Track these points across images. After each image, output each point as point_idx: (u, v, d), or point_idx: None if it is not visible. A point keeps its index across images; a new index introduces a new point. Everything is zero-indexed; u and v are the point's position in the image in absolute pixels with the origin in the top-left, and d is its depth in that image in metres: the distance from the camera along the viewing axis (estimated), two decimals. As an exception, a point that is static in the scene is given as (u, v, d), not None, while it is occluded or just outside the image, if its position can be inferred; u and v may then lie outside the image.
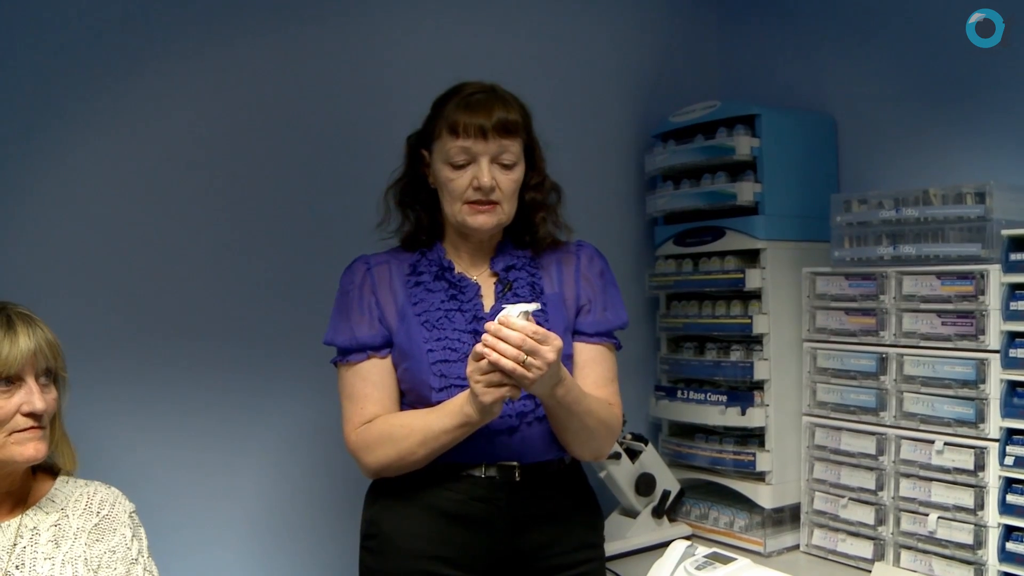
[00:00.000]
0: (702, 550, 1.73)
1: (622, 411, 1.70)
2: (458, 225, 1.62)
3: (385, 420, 1.58)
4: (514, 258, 1.68)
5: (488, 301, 1.64)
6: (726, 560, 1.69)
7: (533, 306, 1.46)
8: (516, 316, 1.42)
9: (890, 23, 2.20)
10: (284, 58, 2.02)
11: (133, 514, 1.46)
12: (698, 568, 1.67)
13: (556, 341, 1.43)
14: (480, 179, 1.55)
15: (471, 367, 1.43)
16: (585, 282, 1.69)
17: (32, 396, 1.30)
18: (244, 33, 1.97)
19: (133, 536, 1.43)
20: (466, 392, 1.47)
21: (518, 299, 1.61)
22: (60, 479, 1.43)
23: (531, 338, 1.39)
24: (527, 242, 1.70)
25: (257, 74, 1.99)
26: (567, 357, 1.61)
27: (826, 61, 2.37)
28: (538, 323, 1.47)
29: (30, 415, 1.30)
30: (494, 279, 1.67)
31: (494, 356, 1.39)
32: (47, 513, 1.37)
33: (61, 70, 1.77)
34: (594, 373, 1.65)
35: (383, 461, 1.55)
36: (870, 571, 1.96)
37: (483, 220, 1.59)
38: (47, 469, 1.43)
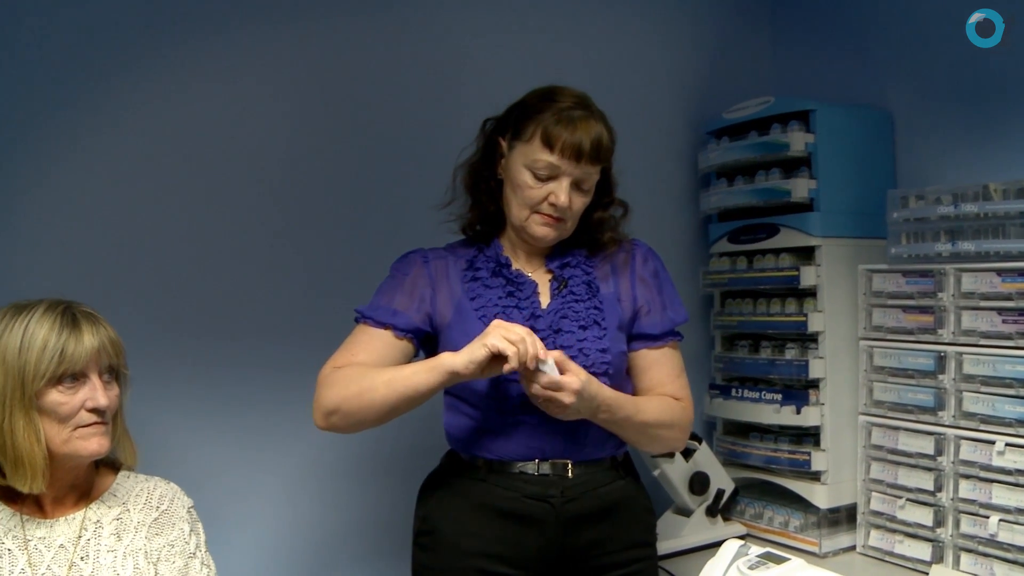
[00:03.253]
0: (755, 549, 1.72)
1: (691, 403, 1.70)
2: (518, 229, 1.63)
3: (358, 366, 1.56)
4: (569, 256, 1.68)
5: (544, 299, 1.64)
6: (779, 560, 1.67)
7: (550, 361, 1.46)
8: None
9: (948, 16, 2.15)
10: (324, 51, 2.04)
11: (191, 509, 1.50)
12: (751, 568, 1.66)
13: (572, 385, 1.44)
14: (558, 198, 1.55)
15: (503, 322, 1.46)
16: (641, 284, 1.68)
17: (96, 392, 1.35)
18: (296, 20, 2.00)
19: (191, 531, 1.47)
20: (453, 353, 1.47)
21: (575, 296, 1.63)
22: (121, 474, 1.47)
23: (548, 389, 1.44)
24: (583, 241, 1.70)
25: (302, 68, 2.02)
26: (620, 354, 1.62)
27: (882, 56, 2.33)
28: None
29: (94, 411, 1.34)
30: (549, 276, 1.67)
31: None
32: (109, 507, 1.42)
33: (105, 50, 1.81)
34: (661, 373, 1.66)
35: (339, 395, 1.51)
36: (927, 573, 1.92)
37: (545, 232, 1.60)
38: (109, 464, 1.48)
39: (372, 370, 1.53)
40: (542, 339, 1.50)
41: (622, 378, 1.64)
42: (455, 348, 1.51)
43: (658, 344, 1.66)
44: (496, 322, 1.45)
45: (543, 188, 1.56)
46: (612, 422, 1.54)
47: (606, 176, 1.66)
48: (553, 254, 1.68)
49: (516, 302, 1.62)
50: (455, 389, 1.61)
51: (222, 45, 1.93)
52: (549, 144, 1.54)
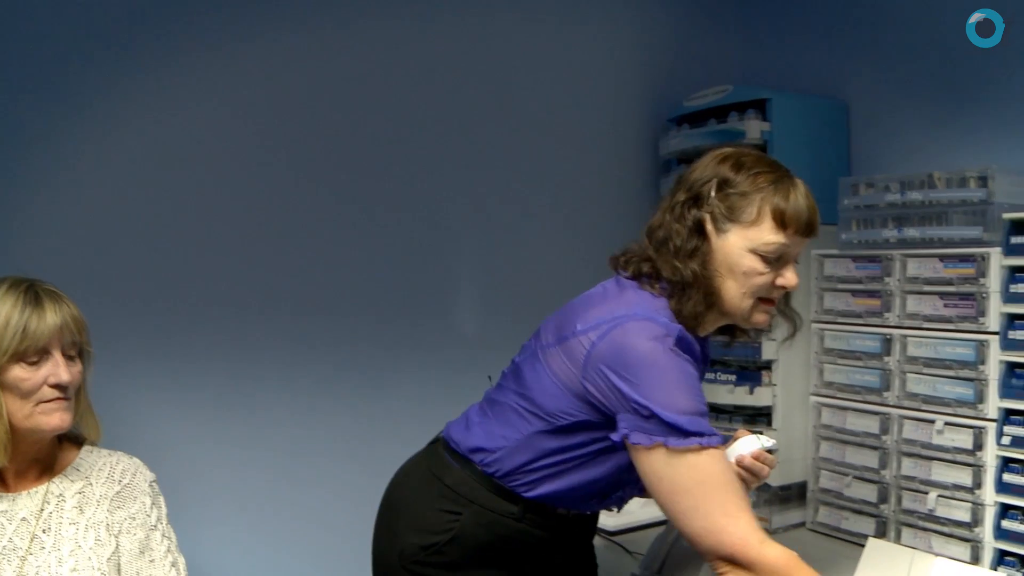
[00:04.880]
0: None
1: None
2: (733, 316, 1.46)
3: (788, 552, 1.31)
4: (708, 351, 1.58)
5: None
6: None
7: (772, 443, 1.50)
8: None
9: (903, 10, 2.21)
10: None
11: (153, 483, 1.54)
12: None
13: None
14: (789, 281, 1.43)
15: None
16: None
17: (58, 368, 1.38)
18: (296, 21, 2.06)
19: (153, 504, 1.51)
20: None
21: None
22: (85, 449, 1.51)
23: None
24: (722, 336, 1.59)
25: (326, 56, 2.08)
26: None
27: (840, 47, 2.39)
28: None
29: (56, 386, 1.38)
30: None
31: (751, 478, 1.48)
32: (72, 481, 1.45)
33: (123, 39, 1.85)
34: None
35: None
36: (866, 547, 2.00)
37: (766, 319, 1.47)
38: (73, 439, 1.51)
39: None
40: None
41: None
42: None
43: None
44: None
45: (772, 273, 1.42)
46: None
47: None
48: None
49: None
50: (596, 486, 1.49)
51: (226, 43, 1.98)
52: (784, 224, 1.39)
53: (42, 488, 1.42)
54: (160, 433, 1.89)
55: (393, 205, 2.18)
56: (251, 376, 2.03)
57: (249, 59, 2.00)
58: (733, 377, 2.26)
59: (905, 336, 1.96)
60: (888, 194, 2.02)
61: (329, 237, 2.11)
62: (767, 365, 2.23)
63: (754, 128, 2.19)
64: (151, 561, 1.46)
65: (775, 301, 1.46)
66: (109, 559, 1.41)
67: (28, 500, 1.40)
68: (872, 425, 2.02)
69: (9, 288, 1.37)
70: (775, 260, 1.41)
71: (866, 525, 2.03)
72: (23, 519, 1.39)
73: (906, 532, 1.95)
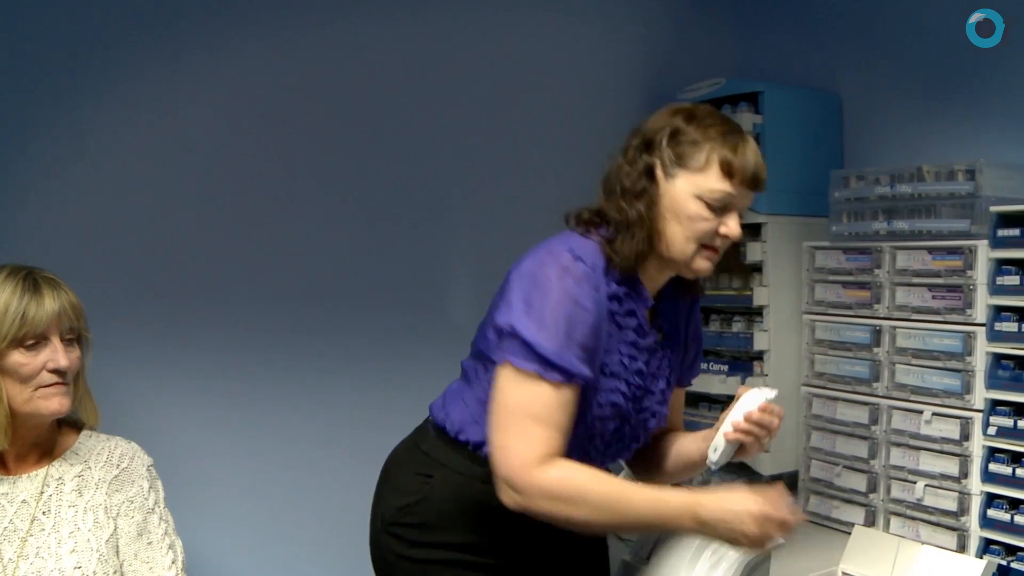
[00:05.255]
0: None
1: None
2: (677, 263, 1.47)
3: (580, 475, 1.35)
4: (672, 304, 1.59)
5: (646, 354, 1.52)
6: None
7: (774, 393, 1.49)
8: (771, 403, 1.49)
9: (896, 4, 2.23)
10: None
11: (151, 467, 1.57)
12: None
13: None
14: (732, 230, 1.44)
15: (773, 514, 1.33)
16: (695, 337, 1.65)
17: (56, 354, 1.40)
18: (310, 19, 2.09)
19: (150, 488, 1.54)
20: (707, 498, 1.35)
21: (663, 353, 1.56)
22: (84, 433, 1.54)
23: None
24: (685, 286, 1.60)
25: (327, 53, 2.11)
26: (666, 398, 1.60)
27: (833, 41, 2.41)
28: None
29: (55, 371, 1.40)
30: (648, 316, 1.53)
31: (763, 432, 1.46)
32: (71, 464, 1.48)
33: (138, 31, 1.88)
34: (676, 410, 1.69)
35: (562, 516, 1.34)
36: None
37: (708, 266, 1.47)
38: (72, 424, 1.54)
39: (598, 495, 1.35)
40: (635, 397, 1.49)
41: None
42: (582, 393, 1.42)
43: (685, 386, 1.70)
44: (763, 518, 1.33)
45: (715, 220, 1.43)
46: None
47: None
48: (661, 299, 1.57)
49: (634, 353, 1.49)
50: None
51: (221, 36, 2.00)
52: (730, 173, 1.42)
53: (42, 471, 1.45)
54: (158, 418, 1.92)
55: (392, 198, 2.21)
56: (250, 363, 2.06)
57: (248, 53, 2.02)
58: (725, 367, 2.29)
59: (894, 327, 1.98)
60: (878, 187, 2.04)
61: (329, 230, 2.14)
62: (759, 355, 2.25)
63: (747, 120, 2.21)
64: (149, 543, 1.49)
65: (718, 250, 1.47)
66: (107, 541, 1.44)
67: (28, 483, 1.43)
68: (862, 415, 2.05)
69: (8, 275, 1.40)
70: (720, 208, 1.43)
71: (856, 514, 2.06)
72: (23, 501, 1.42)
73: (894, 521, 1.98)
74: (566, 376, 1.35)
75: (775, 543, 1.36)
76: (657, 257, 1.47)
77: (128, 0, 1.88)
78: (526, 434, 1.34)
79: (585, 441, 1.47)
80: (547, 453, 1.34)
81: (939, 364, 1.89)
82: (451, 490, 1.50)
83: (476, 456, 1.48)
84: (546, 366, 1.34)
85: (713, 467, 1.51)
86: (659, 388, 1.54)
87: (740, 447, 1.49)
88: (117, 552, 1.46)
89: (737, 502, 1.33)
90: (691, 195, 1.43)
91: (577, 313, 1.37)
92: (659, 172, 1.45)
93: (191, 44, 1.96)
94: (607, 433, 1.49)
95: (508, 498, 1.35)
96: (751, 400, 1.48)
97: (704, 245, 1.45)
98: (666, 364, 1.55)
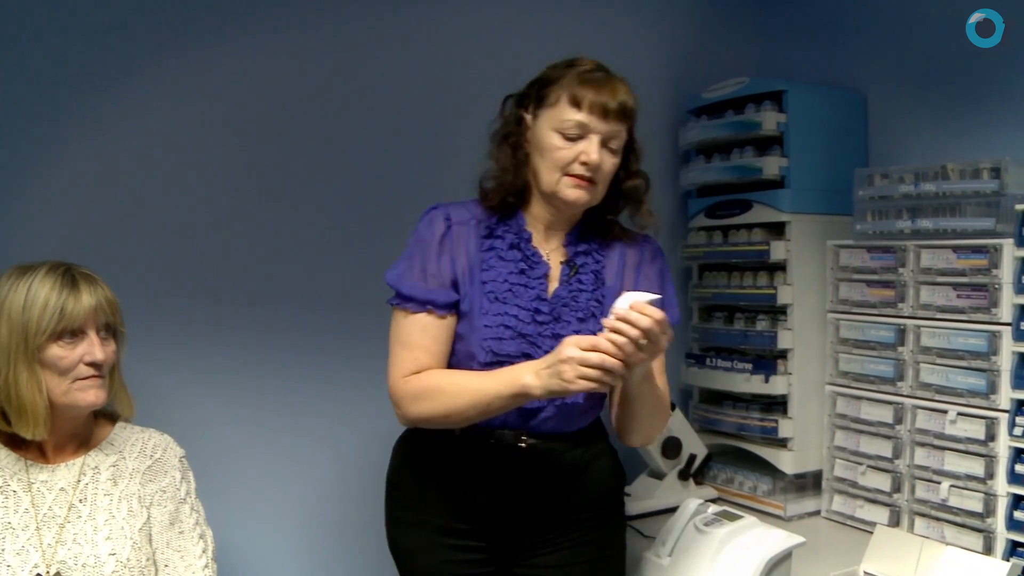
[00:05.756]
0: (714, 508, 1.83)
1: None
2: (550, 195, 1.61)
3: (436, 374, 1.58)
4: (587, 243, 1.68)
5: (553, 283, 1.65)
6: (733, 517, 1.78)
7: (657, 297, 1.44)
8: (646, 304, 1.42)
9: (920, 2, 2.23)
10: (339, 43, 2.15)
11: (183, 459, 1.61)
12: (706, 524, 1.77)
13: (670, 331, 1.46)
14: (590, 156, 1.55)
15: (575, 351, 1.41)
16: (644, 279, 1.70)
17: (93, 348, 1.45)
18: (321, 14, 2.12)
19: (182, 478, 1.58)
20: (531, 364, 1.48)
21: (581, 286, 1.65)
22: (119, 425, 1.58)
23: (659, 325, 1.40)
24: (604, 226, 1.71)
25: (324, 51, 2.12)
26: None
27: (858, 39, 2.40)
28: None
29: (91, 364, 1.45)
30: (561, 260, 1.67)
31: (623, 340, 1.40)
32: (107, 455, 1.53)
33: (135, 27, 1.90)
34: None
35: (427, 413, 1.57)
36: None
37: (578, 195, 1.59)
38: (107, 415, 1.58)
39: (452, 385, 1.55)
40: (542, 324, 1.58)
41: None
42: (466, 318, 1.60)
43: None
44: (568, 352, 1.41)
45: (573, 148, 1.56)
46: (644, 387, 1.57)
47: (633, 143, 1.66)
48: (573, 236, 1.69)
49: (526, 281, 1.63)
50: (454, 355, 1.64)
51: (214, 38, 2.02)
52: (577, 103, 1.55)
53: (79, 461, 1.50)
54: (191, 412, 1.96)
55: (410, 197, 2.21)
56: (281, 360, 2.09)
57: (241, 58, 2.04)
58: (749, 366, 2.29)
59: (919, 326, 1.98)
60: (902, 185, 2.03)
61: (365, 229, 2.16)
62: (783, 354, 2.26)
63: (770, 119, 2.22)
64: (180, 532, 1.54)
65: (585, 178, 1.58)
66: (141, 529, 1.49)
67: (66, 472, 1.48)
68: (886, 415, 2.04)
69: (48, 271, 1.45)
70: (575, 137, 1.57)
71: (880, 514, 2.06)
72: (61, 489, 1.46)
73: (919, 521, 1.98)
74: (418, 304, 1.60)
75: (611, 377, 1.42)
76: (538, 194, 1.64)
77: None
78: (396, 358, 1.60)
79: (495, 365, 1.58)
80: (413, 370, 1.58)
81: (964, 364, 1.89)
82: (421, 433, 1.71)
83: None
84: (401, 299, 1.61)
85: None
86: (575, 317, 1.63)
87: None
88: (150, 540, 1.50)
89: (549, 356, 1.46)
90: (549, 129, 1.58)
91: (421, 248, 1.63)
92: (528, 116, 1.63)
93: (221, 37, 2.00)
94: (516, 355, 1.58)
95: (397, 415, 1.61)
96: (623, 301, 1.44)
97: (568, 174, 1.58)
98: (584, 298, 1.64)
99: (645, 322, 1.39)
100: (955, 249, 1.90)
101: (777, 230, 2.27)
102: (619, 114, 1.57)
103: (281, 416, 2.11)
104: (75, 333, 1.44)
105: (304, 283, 2.12)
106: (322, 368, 2.15)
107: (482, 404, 1.52)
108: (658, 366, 1.65)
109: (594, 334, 1.49)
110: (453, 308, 1.62)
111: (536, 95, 1.62)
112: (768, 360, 2.27)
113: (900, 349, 2.02)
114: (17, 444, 1.47)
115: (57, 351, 1.42)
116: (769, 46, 2.66)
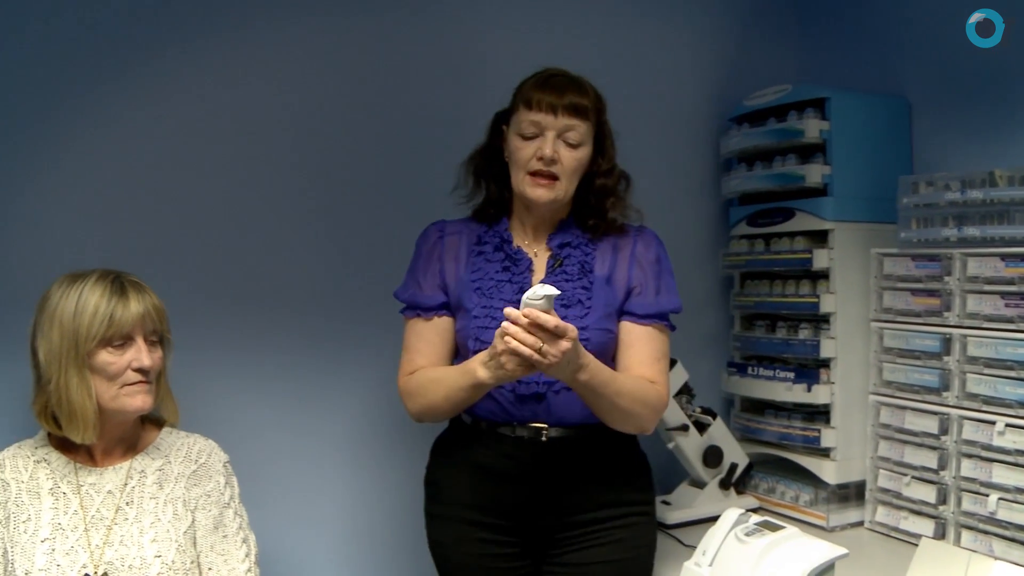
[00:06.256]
0: (755, 518, 1.81)
1: (668, 390, 1.77)
2: (520, 195, 1.73)
3: (423, 373, 1.73)
4: (571, 236, 1.77)
5: (538, 276, 1.74)
6: (775, 528, 1.76)
7: (555, 292, 1.46)
8: (540, 300, 1.44)
9: (965, 6, 2.18)
10: (358, 41, 2.15)
11: (227, 464, 1.64)
12: (748, 534, 1.75)
13: (572, 332, 1.47)
14: (543, 149, 1.66)
15: (499, 341, 1.49)
16: (638, 267, 1.76)
17: (141, 354, 1.49)
18: (333, 12, 2.12)
19: (226, 483, 1.61)
20: (482, 354, 1.57)
21: (566, 276, 1.73)
22: (165, 430, 1.62)
23: (552, 331, 1.44)
24: (590, 225, 1.78)
25: (336, 52, 2.13)
26: (602, 333, 1.70)
27: (901, 45, 2.37)
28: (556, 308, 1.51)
29: (139, 370, 1.49)
30: (548, 254, 1.77)
31: (513, 344, 1.45)
32: (153, 459, 1.56)
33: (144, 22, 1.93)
34: (641, 352, 1.73)
35: (418, 408, 1.73)
36: (929, 548, 1.99)
37: (541, 193, 1.68)
38: (154, 421, 1.62)
39: (430, 382, 1.70)
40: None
41: (603, 359, 1.66)
42: (460, 315, 1.74)
43: (642, 322, 1.73)
44: (496, 342, 1.50)
45: (531, 146, 1.67)
46: (588, 387, 1.58)
47: (602, 141, 1.75)
48: (556, 233, 1.78)
49: (510, 276, 1.74)
50: (459, 351, 1.77)
51: (246, 37, 2.05)
52: (528, 104, 1.67)
53: (126, 464, 1.53)
54: (235, 418, 1.99)
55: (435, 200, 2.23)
56: (321, 369, 2.12)
57: (249, 57, 2.05)
58: (792, 375, 2.27)
59: (965, 336, 1.95)
60: (948, 192, 2.00)
61: (404, 232, 2.18)
62: (826, 363, 2.24)
63: (813, 127, 2.20)
64: (224, 536, 1.56)
65: (546, 175, 1.67)
66: (185, 532, 1.52)
67: (114, 475, 1.52)
68: (931, 425, 2.01)
69: (97, 279, 1.49)
70: (532, 136, 1.67)
71: (925, 526, 2.02)
72: (109, 492, 1.50)
73: (966, 534, 1.94)
74: (411, 310, 1.77)
75: (548, 358, 1.46)
76: (518, 199, 1.75)
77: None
78: (401, 361, 1.78)
79: None
80: (409, 370, 1.75)
81: (1013, 374, 1.85)
82: (454, 421, 1.84)
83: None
84: (403, 308, 1.79)
85: None
86: (559, 304, 1.65)
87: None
88: (194, 543, 1.53)
89: (489, 349, 1.53)
90: (513, 134, 1.70)
91: (417, 260, 1.80)
92: (505, 129, 1.75)
93: (242, 36, 2.02)
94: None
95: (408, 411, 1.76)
96: (531, 291, 1.46)
97: (529, 172, 1.68)
98: (569, 286, 1.71)
99: (523, 322, 1.45)
100: (1003, 257, 1.87)
101: (820, 238, 2.24)
102: (570, 109, 1.66)
103: (331, 423, 2.14)
104: (124, 340, 1.48)
105: (351, 292, 2.14)
106: (365, 376, 2.17)
107: (452, 396, 1.65)
108: (644, 355, 1.72)
109: (579, 320, 1.65)
110: (441, 309, 1.76)
111: (509, 108, 1.75)
112: (811, 369, 2.25)
113: (946, 359, 1.98)
114: (67, 448, 1.51)
115: (106, 357, 1.46)
116: (811, 53, 2.64)
